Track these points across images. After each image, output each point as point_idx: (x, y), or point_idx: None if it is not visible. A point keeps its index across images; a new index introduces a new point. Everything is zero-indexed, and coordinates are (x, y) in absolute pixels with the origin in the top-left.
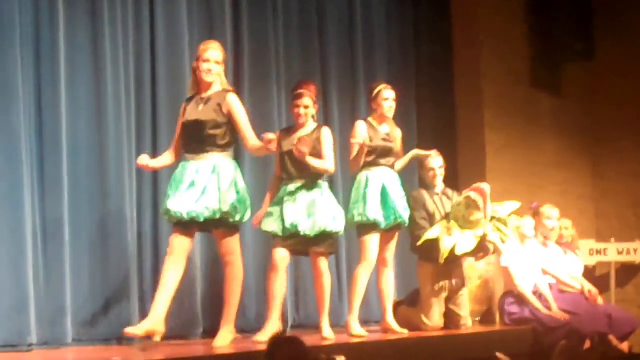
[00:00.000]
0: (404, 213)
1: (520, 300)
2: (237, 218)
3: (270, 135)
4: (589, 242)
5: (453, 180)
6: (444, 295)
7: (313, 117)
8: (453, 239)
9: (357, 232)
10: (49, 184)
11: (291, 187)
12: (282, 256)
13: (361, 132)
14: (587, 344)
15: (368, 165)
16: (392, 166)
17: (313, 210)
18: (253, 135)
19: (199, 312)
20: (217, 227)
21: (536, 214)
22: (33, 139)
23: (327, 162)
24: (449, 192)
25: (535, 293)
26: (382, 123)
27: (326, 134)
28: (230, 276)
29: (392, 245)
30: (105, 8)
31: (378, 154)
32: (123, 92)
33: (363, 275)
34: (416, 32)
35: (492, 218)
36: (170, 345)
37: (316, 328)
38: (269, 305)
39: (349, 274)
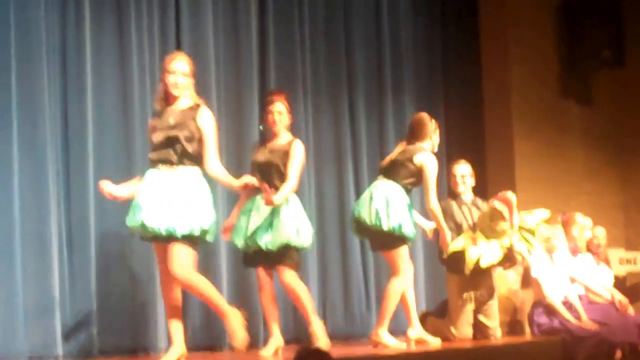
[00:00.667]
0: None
1: (550, 310)
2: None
3: (249, 180)
4: (618, 251)
5: (482, 191)
6: (472, 306)
7: (287, 127)
8: (479, 250)
9: (387, 246)
10: (75, 192)
11: (258, 198)
12: (262, 274)
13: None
14: (618, 354)
15: (412, 184)
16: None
17: (276, 224)
18: (216, 156)
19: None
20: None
21: (566, 224)
22: (59, 148)
23: (289, 184)
24: (479, 202)
25: (565, 304)
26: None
27: (297, 148)
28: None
29: None
30: (132, 17)
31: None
32: (149, 100)
33: (400, 288)
34: (443, 42)
35: (520, 228)
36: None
37: (345, 339)
38: (267, 322)
39: (376, 283)
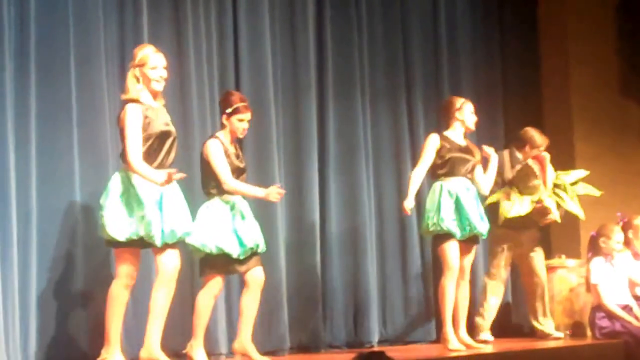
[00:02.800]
0: (480, 224)
1: (611, 314)
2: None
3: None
4: None
5: None
6: (508, 258)
7: None
8: (510, 203)
9: (433, 243)
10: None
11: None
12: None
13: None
14: None
15: (444, 175)
16: (470, 177)
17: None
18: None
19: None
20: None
21: (625, 226)
22: (119, 145)
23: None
24: None
25: (624, 308)
26: (461, 135)
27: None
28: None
29: (469, 258)
30: (189, 21)
31: (453, 165)
32: (208, 105)
33: (449, 285)
34: (502, 41)
35: (555, 186)
36: None
37: (404, 343)
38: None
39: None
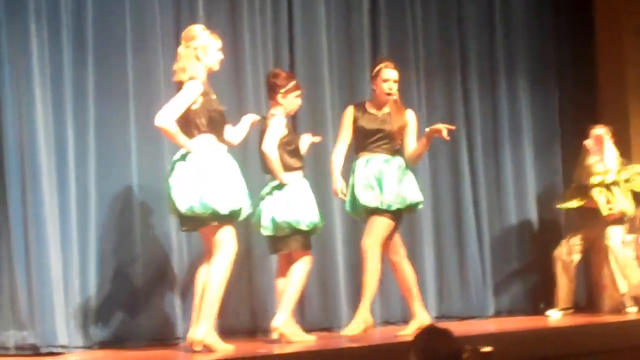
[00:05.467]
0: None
1: None
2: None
3: None
4: None
5: None
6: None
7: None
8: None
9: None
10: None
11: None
12: None
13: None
14: None
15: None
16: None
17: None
18: None
19: (342, 304)
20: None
21: None
22: None
23: None
24: None
25: None
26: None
27: None
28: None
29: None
30: (244, 3)
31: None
32: (262, 87)
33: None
34: (556, 21)
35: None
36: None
37: (460, 319)
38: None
39: (492, 263)
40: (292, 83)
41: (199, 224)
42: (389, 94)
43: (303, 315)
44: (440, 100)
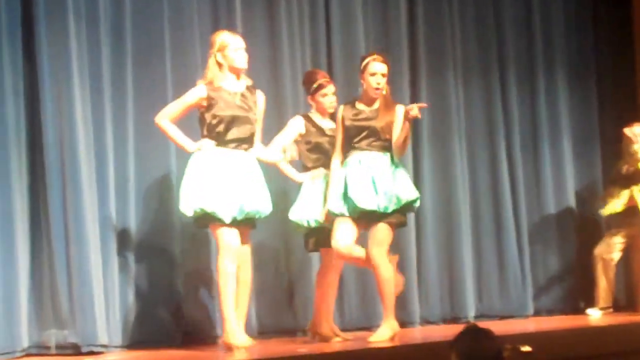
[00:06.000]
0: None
1: None
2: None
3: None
4: None
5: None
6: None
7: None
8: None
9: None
10: None
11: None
12: None
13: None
14: None
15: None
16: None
17: None
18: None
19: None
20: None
21: None
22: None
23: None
24: None
25: None
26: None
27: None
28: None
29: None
30: (282, 2)
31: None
32: (300, 86)
33: None
34: (595, 17)
35: None
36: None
37: (500, 318)
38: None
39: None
40: (316, 84)
41: (198, 223)
42: (377, 89)
43: (342, 314)
44: (479, 101)
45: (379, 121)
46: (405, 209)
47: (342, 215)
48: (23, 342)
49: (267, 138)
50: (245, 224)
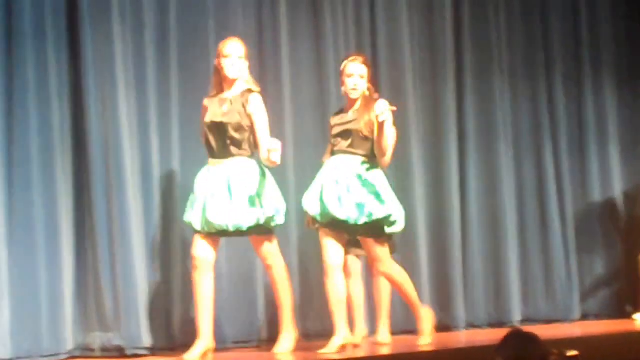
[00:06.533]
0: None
1: None
2: (273, 223)
3: (273, 145)
4: None
5: None
6: None
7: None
8: None
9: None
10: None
11: None
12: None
13: None
14: None
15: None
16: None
17: None
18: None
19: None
20: (253, 233)
21: None
22: None
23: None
24: None
25: None
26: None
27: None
28: (276, 279)
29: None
30: (326, 5)
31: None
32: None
33: None
34: None
35: None
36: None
37: (546, 323)
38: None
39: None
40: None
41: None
42: (353, 89)
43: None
44: (525, 103)
45: (358, 122)
46: (379, 222)
47: (317, 219)
48: (68, 344)
49: (312, 139)
50: (217, 235)
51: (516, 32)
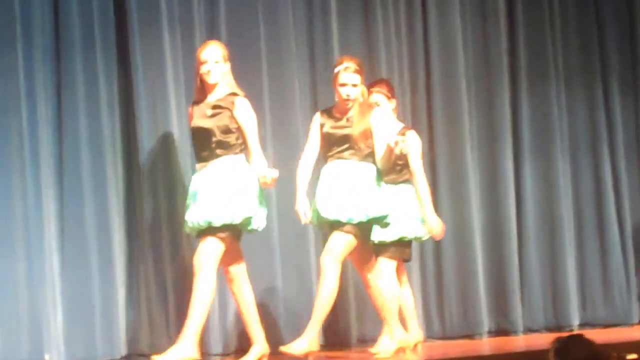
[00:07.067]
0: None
1: None
2: (249, 226)
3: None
4: None
5: None
6: None
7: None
8: None
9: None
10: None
11: None
12: None
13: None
14: None
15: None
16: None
17: None
18: (258, 150)
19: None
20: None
21: None
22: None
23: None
24: None
25: None
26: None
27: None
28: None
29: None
30: (378, 10)
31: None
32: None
33: None
34: None
35: None
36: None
37: (604, 327)
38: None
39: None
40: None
41: None
42: (346, 100)
43: (443, 322)
44: (581, 109)
45: (354, 129)
46: (373, 222)
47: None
48: (121, 349)
49: None
50: (200, 235)
51: (572, 38)
